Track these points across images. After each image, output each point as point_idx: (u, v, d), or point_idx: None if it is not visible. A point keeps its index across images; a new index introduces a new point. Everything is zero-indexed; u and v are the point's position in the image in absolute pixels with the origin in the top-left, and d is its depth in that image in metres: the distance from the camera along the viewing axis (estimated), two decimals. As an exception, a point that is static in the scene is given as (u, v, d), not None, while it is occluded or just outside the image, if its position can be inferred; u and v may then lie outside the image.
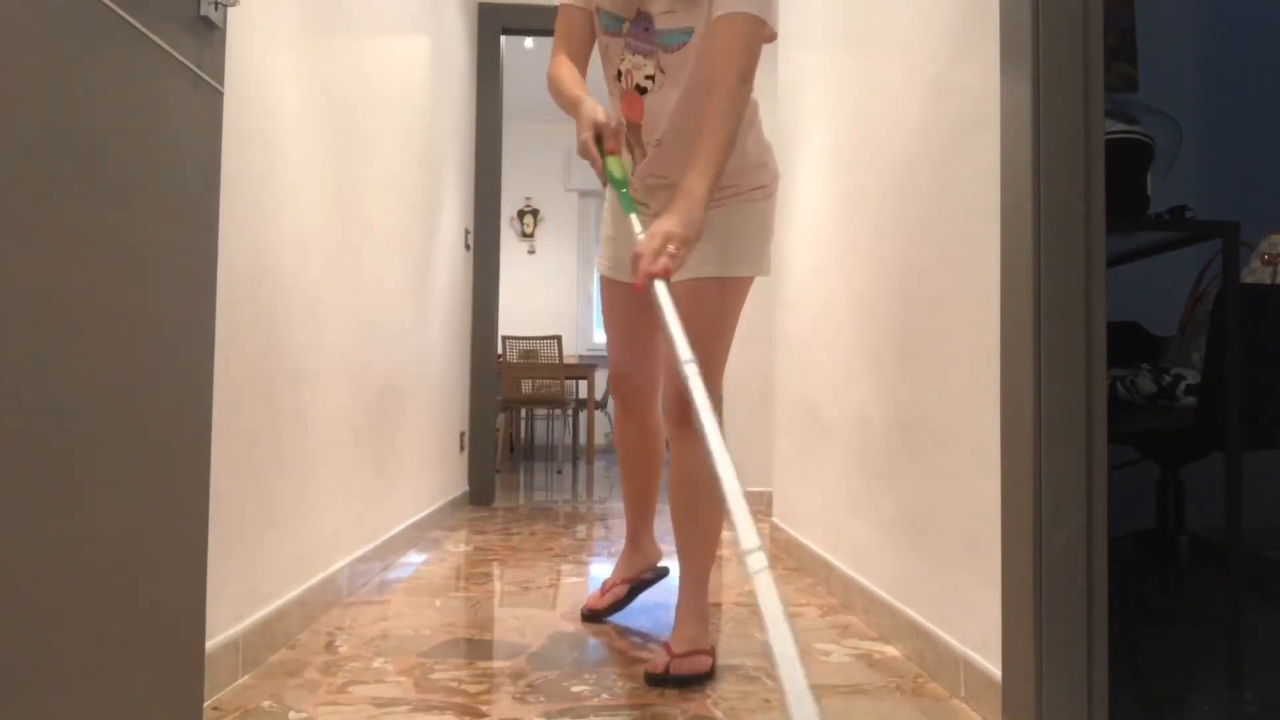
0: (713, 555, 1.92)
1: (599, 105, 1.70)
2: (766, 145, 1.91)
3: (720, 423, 1.19)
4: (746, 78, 1.62)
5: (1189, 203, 2.16)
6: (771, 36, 1.66)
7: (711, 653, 1.83)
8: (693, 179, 1.58)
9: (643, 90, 1.76)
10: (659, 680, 1.74)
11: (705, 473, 1.67)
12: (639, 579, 2.20)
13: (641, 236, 1.55)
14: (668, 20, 1.69)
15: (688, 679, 1.74)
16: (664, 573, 2.24)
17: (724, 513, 1.26)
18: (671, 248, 1.50)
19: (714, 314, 1.83)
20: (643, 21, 1.71)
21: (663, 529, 2.45)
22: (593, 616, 2.18)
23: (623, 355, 2.04)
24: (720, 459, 1.12)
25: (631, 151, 1.87)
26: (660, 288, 1.43)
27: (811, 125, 2.97)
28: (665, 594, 2.36)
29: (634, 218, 1.64)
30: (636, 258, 1.50)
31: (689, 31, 1.67)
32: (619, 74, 1.79)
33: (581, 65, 1.83)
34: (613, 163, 1.70)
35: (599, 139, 1.69)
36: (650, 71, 1.74)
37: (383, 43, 2.77)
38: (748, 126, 1.81)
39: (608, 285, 2.04)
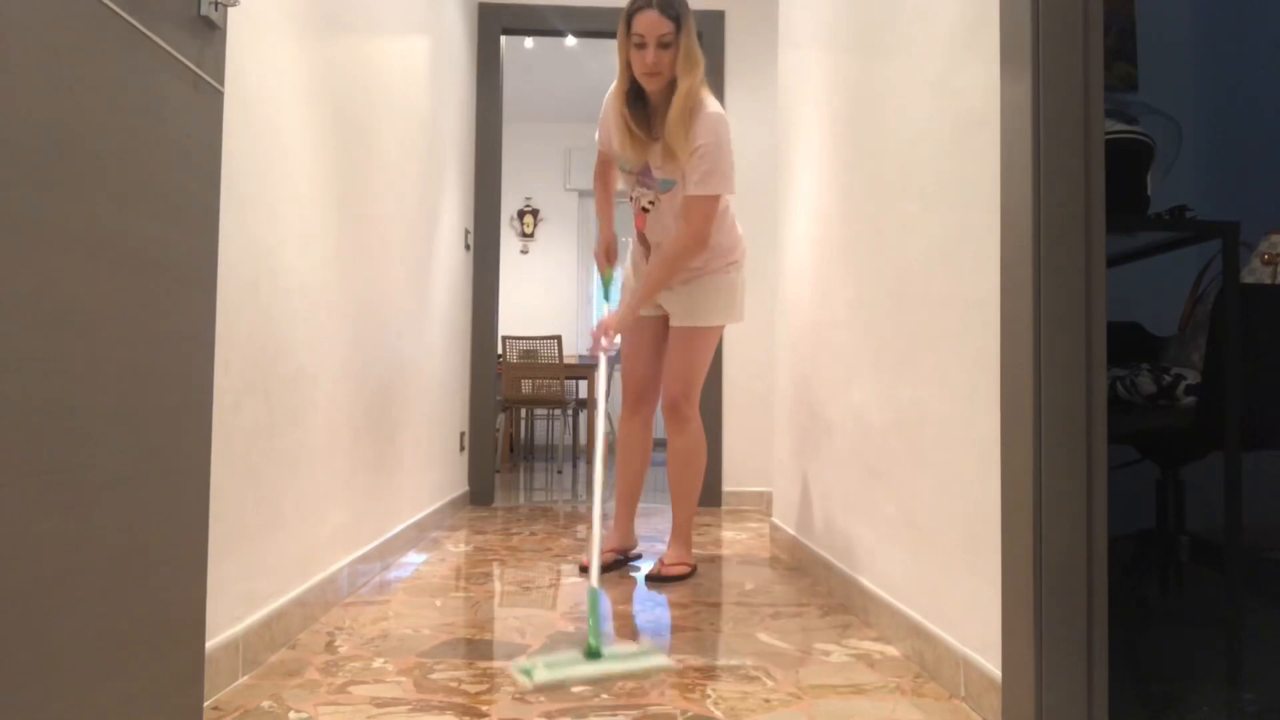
0: (694, 505, 2.87)
1: (613, 236, 2.92)
2: (738, 233, 2.78)
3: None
4: (698, 237, 2.58)
5: (1189, 203, 2.16)
6: (723, 195, 2.58)
7: (691, 565, 2.78)
8: (640, 287, 2.69)
9: (645, 210, 2.72)
10: (653, 578, 2.69)
11: (692, 448, 2.81)
12: (625, 554, 2.94)
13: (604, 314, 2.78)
14: (660, 173, 2.65)
15: (671, 578, 2.69)
16: (638, 557, 3.00)
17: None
18: (606, 336, 2.68)
19: (688, 352, 2.75)
20: (646, 170, 2.68)
21: (659, 516, 2.46)
22: (587, 570, 2.72)
23: (641, 368, 2.87)
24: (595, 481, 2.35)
25: (642, 244, 2.82)
26: (602, 359, 2.72)
27: (811, 124, 2.97)
28: (664, 596, 2.39)
29: (606, 305, 2.91)
30: (599, 327, 2.73)
31: (672, 182, 2.63)
32: (631, 197, 2.78)
33: (610, 176, 2.92)
34: (609, 271, 2.94)
35: (608, 253, 2.91)
36: (650, 199, 2.70)
37: (383, 43, 2.77)
38: (719, 225, 2.66)
39: (632, 323, 2.82)
